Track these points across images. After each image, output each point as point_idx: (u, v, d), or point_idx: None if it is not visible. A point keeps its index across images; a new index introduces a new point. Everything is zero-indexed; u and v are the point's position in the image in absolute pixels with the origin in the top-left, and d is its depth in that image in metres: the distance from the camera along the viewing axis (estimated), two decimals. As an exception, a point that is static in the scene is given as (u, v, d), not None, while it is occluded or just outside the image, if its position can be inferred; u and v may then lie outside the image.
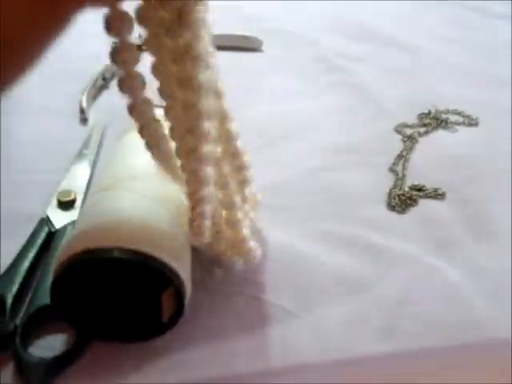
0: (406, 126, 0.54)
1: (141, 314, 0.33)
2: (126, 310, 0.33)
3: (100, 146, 0.50)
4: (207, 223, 0.30)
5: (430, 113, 0.55)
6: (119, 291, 0.33)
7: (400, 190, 0.45)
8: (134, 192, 0.35)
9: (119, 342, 0.33)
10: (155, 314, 0.32)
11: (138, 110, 0.30)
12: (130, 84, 0.29)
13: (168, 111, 0.30)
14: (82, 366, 0.32)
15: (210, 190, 0.30)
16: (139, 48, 0.29)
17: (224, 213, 0.34)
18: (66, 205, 0.41)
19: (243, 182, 0.35)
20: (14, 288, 0.35)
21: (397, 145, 0.51)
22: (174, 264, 0.31)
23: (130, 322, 0.33)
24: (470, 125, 0.54)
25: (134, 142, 0.41)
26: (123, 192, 0.35)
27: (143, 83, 0.30)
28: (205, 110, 0.28)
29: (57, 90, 0.57)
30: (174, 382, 0.31)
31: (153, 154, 0.32)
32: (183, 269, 0.32)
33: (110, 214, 0.33)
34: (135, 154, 0.39)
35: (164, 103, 0.30)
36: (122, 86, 0.29)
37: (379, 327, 0.34)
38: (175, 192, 0.37)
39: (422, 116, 0.55)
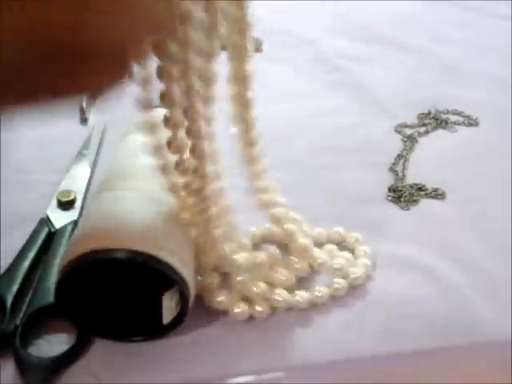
0: (406, 126, 0.54)
1: (144, 314, 0.33)
2: (129, 311, 0.33)
3: (100, 146, 0.50)
4: None
5: (429, 113, 0.55)
6: (123, 291, 0.33)
7: (400, 189, 0.45)
8: (140, 193, 0.35)
9: (121, 341, 0.33)
10: (158, 314, 0.33)
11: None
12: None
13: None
14: (81, 365, 0.32)
15: None
16: None
17: None
18: (66, 205, 0.41)
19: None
20: (14, 288, 0.35)
21: (397, 145, 0.51)
22: (178, 265, 0.31)
23: (133, 322, 0.33)
24: (470, 125, 0.54)
25: (139, 142, 0.41)
26: (128, 193, 0.35)
27: None
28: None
29: (57, 90, 0.57)
30: (174, 382, 0.31)
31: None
32: (187, 271, 0.32)
33: (115, 215, 0.33)
34: (140, 155, 0.39)
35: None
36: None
37: (379, 327, 0.34)
38: None
39: (421, 116, 0.55)
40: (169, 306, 0.33)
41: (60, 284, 0.31)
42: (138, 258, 0.30)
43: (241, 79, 0.33)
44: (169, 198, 0.35)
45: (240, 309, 0.34)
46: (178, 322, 0.33)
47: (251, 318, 0.35)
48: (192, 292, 0.32)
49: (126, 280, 0.33)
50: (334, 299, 0.36)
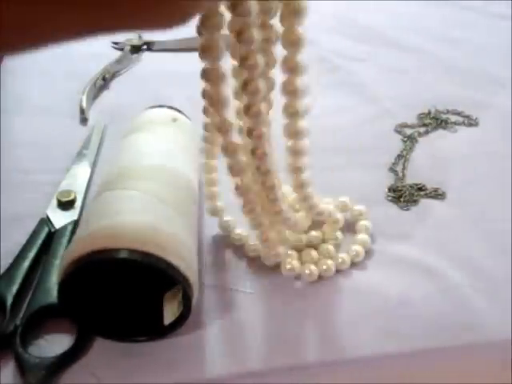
0: (406, 126, 0.54)
1: (146, 314, 0.33)
2: (131, 311, 0.33)
3: (100, 146, 0.50)
4: None
5: (429, 113, 0.55)
6: (125, 291, 0.33)
7: (400, 189, 0.45)
8: (142, 193, 0.35)
9: (122, 341, 0.33)
10: (159, 315, 0.33)
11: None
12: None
13: None
14: (81, 365, 0.32)
15: None
16: None
17: None
18: (65, 205, 0.41)
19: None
20: (14, 288, 0.35)
21: (397, 145, 0.51)
22: (181, 265, 0.31)
23: (135, 322, 0.33)
24: (470, 125, 0.54)
25: (141, 141, 0.41)
26: (130, 192, 0.35)
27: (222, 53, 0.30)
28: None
29: (57, 90, 0.57)
30: (174, 382, 0.31)
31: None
32: (190, 271, 0.32)
33: (117, 215, 0.33)
34: (143, 154, 0.39)
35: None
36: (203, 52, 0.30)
37: (379, 327, 0.34)
38: (183, 193, 0.37)
39: (421, 116, 0.55)
40: (170, 307, 0.32)
41: (63, 284, 0.31)
42: (140, 257, 0.30)
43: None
44: (171, 198, 0.35)
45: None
46: (180, 322, 0.33)
47: (251, 318, 0.35)
48: (195, 292, 0.32)
49: (128, 280, 0.33)
50: (334, 298, 0.36)
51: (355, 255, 0.38)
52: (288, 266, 0.37)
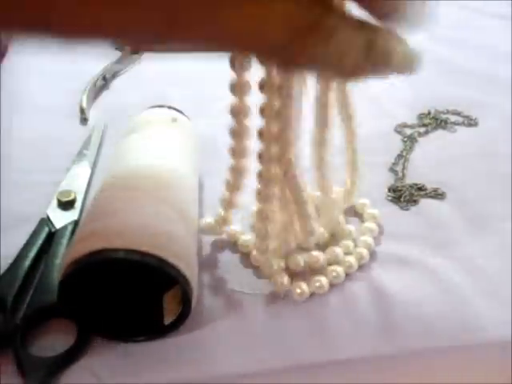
0: (406, 126, 0.54)
1: (145, 314, 0.33)
2: (130, 310, 0.33)
3: (100, 146, 0.50)
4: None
5: (429, 113, 0.55)
6: (125, 291, 0.33)
7: (400, 189, 0.45)
8: (141, 192, 0.35)
9: (122, 341, 0.33)
10: (160, 314, 0.33)
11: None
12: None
13: None
14: (81, 365, 0.32)
15: None
16: None
17: None
18: (66, 205, 0.41)
19: None
20: (14, 288, 0.35)
21: (397, 145, 0.51)
22: (181, 265, 0.31)
23: (134, 321, 0.33)
24: (470, 125, 0.54)
25: (141, 141, 0.41)
26: (130, 192, 0.35)
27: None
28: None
29: (57, 90, 0.57)
30: (175, 382, 0.31)
31: None
32: (189, 270, 0.32)
33: (117, 215, 0.33)
34: (142, 154, 0.39)
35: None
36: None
37: (379, 327, 0.34)
38: (183, 193, 0.37)
39: (421, 116, 0.55)
40: (170, 307, 0.33)
41: (62, 284, 0.31)
42: (139, 258, 0.30)
43: None
44: (170, 198, 0.35)
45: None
46: (179, 322, 0.33)
47: (250, 318, 0.35)
48: (195, 291, 0.32)
49: (128, 280, 0.33)
50: (334, 297, 0.36)
51: (359, 258, 0.38)
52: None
